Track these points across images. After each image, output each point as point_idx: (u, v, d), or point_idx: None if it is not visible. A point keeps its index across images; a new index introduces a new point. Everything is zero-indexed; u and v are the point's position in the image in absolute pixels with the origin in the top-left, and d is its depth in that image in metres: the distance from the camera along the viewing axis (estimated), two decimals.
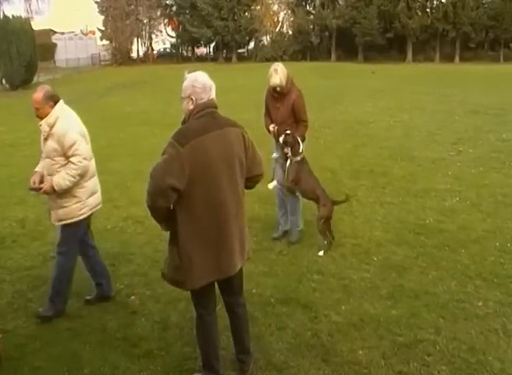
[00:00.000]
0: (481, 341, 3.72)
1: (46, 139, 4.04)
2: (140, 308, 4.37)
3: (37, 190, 4.09)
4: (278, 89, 5.36)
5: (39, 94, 3.99)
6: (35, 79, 30.13)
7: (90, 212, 4.24)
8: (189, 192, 2.89)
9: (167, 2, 52.59)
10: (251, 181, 3.24)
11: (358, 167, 8.68)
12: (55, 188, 3.98)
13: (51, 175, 4.04)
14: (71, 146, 3.95)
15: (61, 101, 4.09)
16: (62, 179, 3.97)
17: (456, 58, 44.05)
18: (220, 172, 2.97)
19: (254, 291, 4.54)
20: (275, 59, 44.45)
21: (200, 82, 3.03)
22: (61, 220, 4.14)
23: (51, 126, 3.97)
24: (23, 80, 28.73)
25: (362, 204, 6.82)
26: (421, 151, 9.66)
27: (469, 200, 6.82)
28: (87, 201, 4.19)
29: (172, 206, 2.96)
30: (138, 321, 4.15)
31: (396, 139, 10.88)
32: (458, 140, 10.53)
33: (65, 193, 4.04)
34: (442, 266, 4.94)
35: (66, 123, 4.02)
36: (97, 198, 4.33)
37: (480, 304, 4.22)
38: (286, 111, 5.43)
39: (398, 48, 46.77)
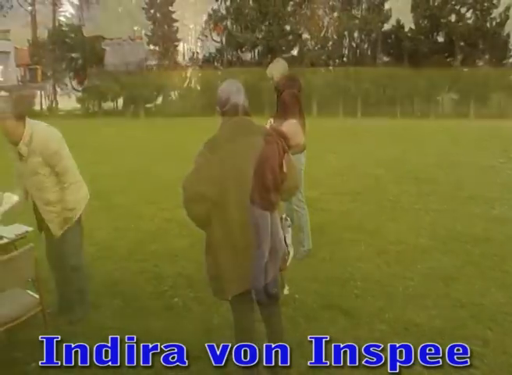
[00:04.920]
0: None
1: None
2: (183, 310, 4.43)
3: None
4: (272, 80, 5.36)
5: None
6: (85, 84, 31.11)
7: (87, 196, 4.17)
8: (221, 199, 2.92)
9: (213, 8, 53.30)
10: (285, 192, 3.18)
11: (403, 173, 8.55)
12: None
13: (40, 190, 3.91)
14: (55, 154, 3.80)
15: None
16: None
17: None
18: (249, 178, 2.95)
19: (296, 296, 4.54)
20: (320, 64, 44.33)
21: (224, 91, 3.09)
22: (71, 218, 4.00)
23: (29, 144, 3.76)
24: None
25: (407, 211, 6.72)
26: (469, 157, 9.42)
27: None
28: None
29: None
30: (181, 323, 4.21)
31: (442, 145, 10.65)
32: (508, 146, 10.21)
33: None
34: (489, 276, 4.81)
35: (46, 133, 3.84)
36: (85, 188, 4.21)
37: None
38: (280, 109, 5.23)
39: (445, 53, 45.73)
